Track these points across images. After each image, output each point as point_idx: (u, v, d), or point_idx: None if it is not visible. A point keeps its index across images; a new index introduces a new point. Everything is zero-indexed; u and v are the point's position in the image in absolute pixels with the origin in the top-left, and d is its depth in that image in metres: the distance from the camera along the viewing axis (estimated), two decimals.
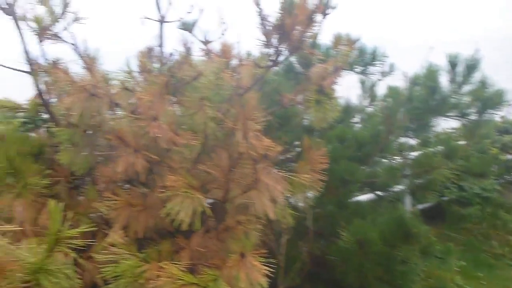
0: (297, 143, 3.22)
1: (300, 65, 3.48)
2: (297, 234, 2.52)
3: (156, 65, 2.48)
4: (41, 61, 2.25)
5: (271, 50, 2.29)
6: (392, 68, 4.02)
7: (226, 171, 1.87)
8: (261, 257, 1.72)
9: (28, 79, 2.32)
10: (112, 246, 1.77)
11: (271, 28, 2.22)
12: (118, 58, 2.45)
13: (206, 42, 2.90)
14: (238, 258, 1.69)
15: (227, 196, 1.92)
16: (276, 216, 1.89)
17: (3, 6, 2.06)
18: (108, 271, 1.63)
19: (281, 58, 2.27)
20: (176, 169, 1.89)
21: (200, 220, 1.77)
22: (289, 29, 2.22)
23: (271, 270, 1.71)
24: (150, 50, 2.64)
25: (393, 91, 3.64)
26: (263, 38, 2.24)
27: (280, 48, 2.23)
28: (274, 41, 2.25)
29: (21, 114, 2.55)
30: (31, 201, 1.76)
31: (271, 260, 1.72)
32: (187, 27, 3.05)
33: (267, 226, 2.15)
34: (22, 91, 2.71)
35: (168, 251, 1.81)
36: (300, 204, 2.20)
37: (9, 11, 2.08)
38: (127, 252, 1.72)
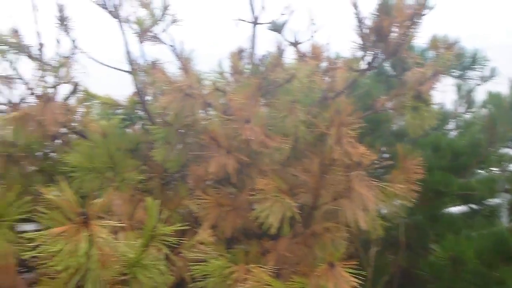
0: (385, 149, 3.09)
1: (392, 68, 3.34)
2: (385, 245, 2.41)
3: (248, 67, 2.50)
4: (141, 61, 2.35)
5: (367, 53, 2.21)
6: (493, 73, 3.73)
7: (317, 176, 1.82)
8: (350, 268, 1.66)
9: (128, 78, 2.44)
10: (201, 244, 1.80)
11: (367, 30, 2.15)
12: (212, 59, 2.50)
13: (295, 44, 2.87)
14: (327, 267, 1.64)
15: (317, 202, 1.88)
16: (367, 226, 1.82)
17: (110, 9, 2.17)
18: (197, 269, 1.66)
19: (377, 61, 2.18)
20: (266, 171, 1.88)
21: (289, 225, 1.76)
22: (386, 31, 2.13)
23: (360, 282, 1.64)
24: (241, 51, 2.67)
25: (494, 98, 3.37)
26: (359, 40, 2.17)
27: (376, 52, 2.14)
28: (370, 44, 2.17)
29: (120, 111, 2.69)
30: (128, 195, 1.84)
31: (360, 272, 1.65)
32: (277, 28, 3.04)
33: (355, 236, 2.08)
34: (121, 89, 2.87)
35: (255, 254, 1.80)
36: (392, 215, 2.09)
37: (115, 14, 2.20)
38: (216, 252, 1.74)
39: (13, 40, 2.03)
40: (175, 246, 1.64)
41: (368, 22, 2.16)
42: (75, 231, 1.14)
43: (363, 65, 2.27)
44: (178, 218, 2.00)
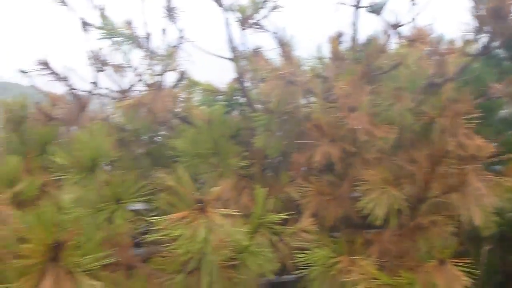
0: (496, 138, 2.87)
1: (506, 51, 3.07)
2: (497, 243, 2.25)
3: (350, 52, 2.43)
4: (242, 48, 2.38)
5: (481, 36, 2.05)
6: None
7: (426, 168, 1.74)
8: (461, 266, 1.57)
9: (227, 64, 2.48)
10: (304, 232, 1.80)
11: (484, 11, 1.99)
12: (312, 45, 2.46)
13: (396, 26, 2.74)
14: (437, 264, 1.56)
15: (425, 194, 1.80)
16: (481, 223, 1.71)
17: None
18: (301, 257, 1.66)
19: (494, 44, 2.02)
20: (370, 161, 1.83)
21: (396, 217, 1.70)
22: (506, 12, 1.96)
23: (472, 281, 1.55)
24: (340, 35, 2.60)
25: None
26: (474, 22, 2.02)
27: (494, 34, 1.98)
28: (487, 26, 2.01)
29: (220, 97, 2.76)
30: (234, 181, 1.89)
31: (471, 270, 1.56)
32: (376, 9, 2.91)
33: (463, 231, 1.96)
34: (217, 74, 2.94)
35: (359, 244, 1.76)
36: (506, 210, 1.95)
37: (219, 1, 2.24)
38: (319, 241, 1.73)
39: (127, 32, 2.14)
40: (279, 233, 1.66)
41: (484, 2, 2.00)
42: (194, 217, 1.19)
43: (476, 48, 2.11)
44: (280, 205, 2.02)
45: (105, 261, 1.24)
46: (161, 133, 2.65)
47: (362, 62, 2.04)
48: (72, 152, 1.44)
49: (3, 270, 1.19)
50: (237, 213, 1.25)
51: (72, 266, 1.12)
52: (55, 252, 1.10)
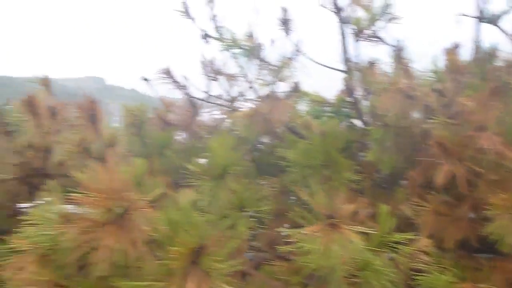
0: None
1: None
2: None
3: (469, 65, 2.31)
4: (356, 60, 2.36)
5: None
6: None
7: None
8: None
9: (335, 75, 2.47)
10: (422, 253, 1.73)
11: None
12: (428, 57, 2.37)
13: None
14: None
15: None
16: None
17: (333, 10, 2.22)
18: (421, 280, 1.60)
19: None
20: (498, 184, 1.72)
21: None
22: None
23: None
24: (457, 46, 2.48)
25: None
26: None
27: None
28: None
29: (327, 108, 2.75)
30: (348, 196, 1.87)
31: None
32: (493, 19, 2.74)
33: None
34: (324, 85, 2.93)
35: (484, 271, 1.67)
36: None
37: (339, 15, 2.24)
38: (439, 264, 1.65)
39: (247, 44, 2.21)
40: (400, 252, 1.61)
41: None
42: (327, 233, 1.19)
43: None
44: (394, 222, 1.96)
45: (237, 267, 1.28)
46: (267, 142, 2.69)
47: (488, 77, 1.94)
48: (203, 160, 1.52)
49: (142, 268, 1.28)
50: (369, 230, 1.24)
51: (210, 270, 1.17)
52: (196, 256, 1.16)
